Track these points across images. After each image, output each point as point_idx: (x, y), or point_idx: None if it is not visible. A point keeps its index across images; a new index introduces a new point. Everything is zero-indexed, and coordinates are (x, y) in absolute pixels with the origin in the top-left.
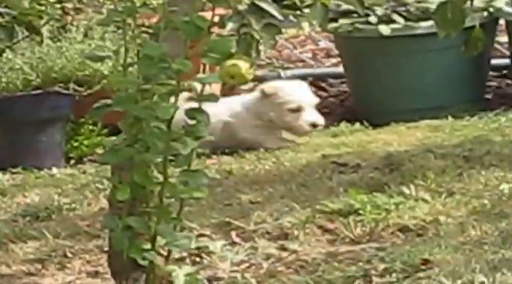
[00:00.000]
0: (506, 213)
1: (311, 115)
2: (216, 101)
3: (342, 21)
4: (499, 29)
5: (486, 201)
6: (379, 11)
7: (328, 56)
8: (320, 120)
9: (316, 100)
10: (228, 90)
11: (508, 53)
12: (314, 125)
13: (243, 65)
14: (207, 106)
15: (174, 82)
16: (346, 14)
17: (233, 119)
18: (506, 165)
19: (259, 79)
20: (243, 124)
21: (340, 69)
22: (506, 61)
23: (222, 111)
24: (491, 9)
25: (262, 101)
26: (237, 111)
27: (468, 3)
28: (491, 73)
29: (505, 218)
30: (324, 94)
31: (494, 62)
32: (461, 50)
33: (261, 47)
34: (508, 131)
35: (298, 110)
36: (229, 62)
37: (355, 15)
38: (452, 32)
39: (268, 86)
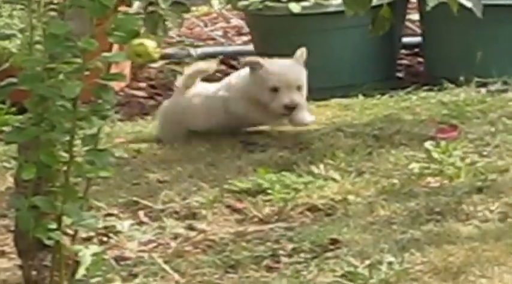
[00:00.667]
0: (415, 193)
1: (287, 97)
2: (124, 80)
3: None
4: (411, 7)
5: (395, 181)
6: None
7: (240, 33)
8: (295, 101)
9: (301, 82)
10: (137, 69)
11: (419, 31)
12: (289, 107)
13: (150, 44)
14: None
15: (80, 60)
16: None
17: (227, 93)
18: (416, 144)
19: (169, 57)
20: (234, 98)
21: (251, 47)
22: (418, 39)
23: (222, 86)
24: None
25: (249, 76)
26: (232, 85)
27: None
28: (403, 51)
29: (414, 197)
30: (234, 72)
31: (406, 40)
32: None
33: (168, 25)
34: (418, 110)
35: (275, 90)
36: (136, 41)
37: None
38: (359, 10)
39: (251, 59)
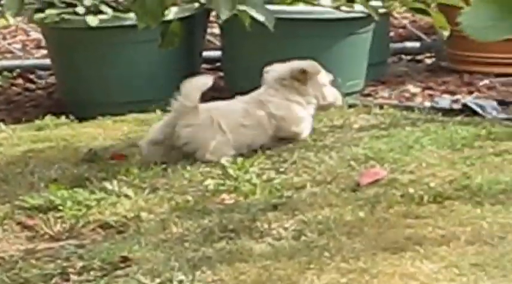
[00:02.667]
0: (209, 210)
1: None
2: None
3: (48, 11)
4: (212, 20)
5: (190, 197)
6: (87, 1)
7: (39, 47)
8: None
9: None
10: None
11: (220, 44)
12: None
13: None
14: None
15: None
16: (53, 4)
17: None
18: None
19: None
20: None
21: (49, 60)
22: (219, 53)
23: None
24: (202, 1)
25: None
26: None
27: None
28: (204, 65)
29: (207, 214)
30: (32, 86)
31: (206, 54)
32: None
33: None
34: None
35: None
36: None
37: (62, 5)
38: (151, 23)
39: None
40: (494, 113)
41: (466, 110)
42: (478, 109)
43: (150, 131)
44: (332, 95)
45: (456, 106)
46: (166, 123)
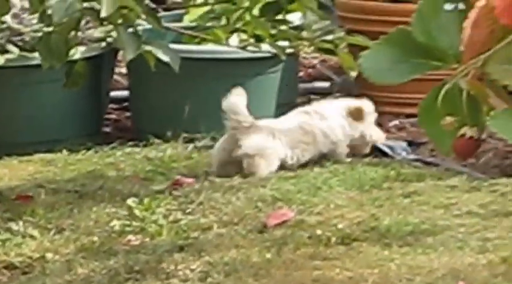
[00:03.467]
0: (115, 251)
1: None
2: None
3: None
4: (120, 59)
5: (96, 238)
6: None
7: None
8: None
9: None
10: None
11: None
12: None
13: None
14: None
15: None
16: None
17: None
18: (119, 201)
19: None
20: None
21: None
22: (126, 93)
23: None
24: (109, 40)
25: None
26: None
27: (73, 33)
28: (111, 105)
29: (113, 255)
30: None
31: (114, 94)
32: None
33: None
34: (122, 165)
35: None
36: None
37: None
38: (55, 63)
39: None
40: (403, 154)
41: (376, 151)
42: (388, 150)
43: (214, 154)
44: (377, 134)
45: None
46: (226, 143)
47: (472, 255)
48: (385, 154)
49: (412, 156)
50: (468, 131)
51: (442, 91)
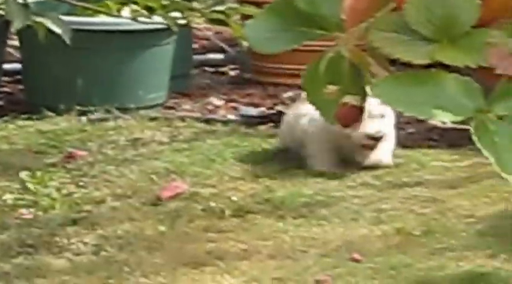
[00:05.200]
0: (7, 224)
1: (370, 127)
2: None
3: None
4: (13, 33)
5: None
6: None
7: None
8: (381, 131)
9: (383, 110)
10: None
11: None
12: (373, 138)
13: None
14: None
15: None
16: None
17: (308, 126)
18: (12, 174)
19: None
20: (311, 137)
21: None
22: (19, 66)
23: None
24: (0, 12)
25: None
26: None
27: None
28: (4, 78)
29: (6, 229)
30: None
31: (7, 66)
32: None
33: None
34: (15, 139)
35: None
36: None
37: None
38: None
39: None
40: None
41: (280, 118)
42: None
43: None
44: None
45: (261, 118)
46: None
47: (367, 226)
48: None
49: None
50: (350, 99)
51: (324, 60)
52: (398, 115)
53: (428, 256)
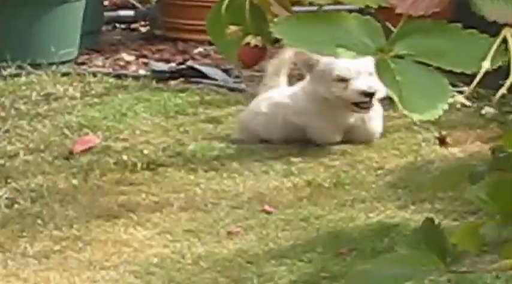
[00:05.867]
0: None
1: (362, 84)
2: None
3: None
4: None
5: None
6: None
7: None
8: (373, 87)
9: (371, 67)
10: None
11: None
12: (366, 94)
13: None
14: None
15: None
16: None
17: (290, 101)
18: None
19: None
20: (295, 107)
21: None
22: None
23: (288, 94)
24: None
25: (309, 77)
26: (296, 93)
27: None
28: None
29: None
30: None
31: None
32: None
33: None
34: None
35: (343, 80)
36: None
37: None
38: None
39: (301, 56)
40: (218, 78)
41: (191, 73)
42: (207, 73)
43: None
44: None
45: (171, 73)
46: None
47: (278, 179)
48: (202, 76)
49: (219, 82)
50: (252, 40)
51: (226, 0)
52: None
53: (339, 207)
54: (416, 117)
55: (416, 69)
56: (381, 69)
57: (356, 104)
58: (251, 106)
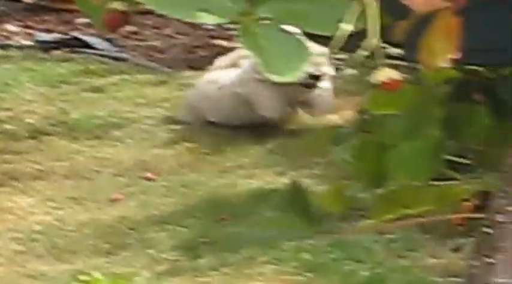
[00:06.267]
0: None
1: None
2: None
3: None
4: None
5: None
6: None
7: None
8: (320, 69)
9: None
10: None
11: None
12: (313, 76)
13: None
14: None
15: None
16: None
17: (245, 89)
18: None
19: None
20: (243, 77)
21: None
22: None
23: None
24: None
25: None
26: (248, 79)
27: None
28: None
29: None
30: None
31: None
32: None
33: None
34: None
35: None
36: None
37: None
38: None
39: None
40: (101, 48)
41: (76, 43)
42: (91, 43)
43: None
44: None
45: (56, 43)
46: None
47: (160, 146)
48: (86, 46)
49: (102, 52)
50: (117, 5)
51: None
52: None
53: (220, 174)
54: (278, 78)
55: (278, 33)
56: (244, 34)
57: (301, 84)
58: (197, 86)
